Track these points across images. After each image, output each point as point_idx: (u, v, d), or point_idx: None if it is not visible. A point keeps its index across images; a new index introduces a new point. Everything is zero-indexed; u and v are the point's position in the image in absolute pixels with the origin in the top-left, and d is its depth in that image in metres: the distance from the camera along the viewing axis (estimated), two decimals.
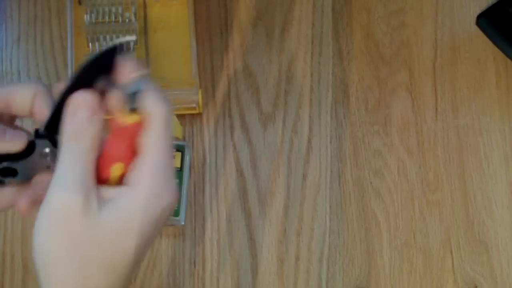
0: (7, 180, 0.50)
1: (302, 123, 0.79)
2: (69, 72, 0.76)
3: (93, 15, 0.78)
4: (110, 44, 0.47)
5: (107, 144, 0.46)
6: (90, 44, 0.78)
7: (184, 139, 0.78)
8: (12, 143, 0.48)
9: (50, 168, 0.49)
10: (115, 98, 0.46)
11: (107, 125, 0.46)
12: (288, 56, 0.81)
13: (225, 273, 0.75)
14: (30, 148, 0.49)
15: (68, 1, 0.78)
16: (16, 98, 0.49)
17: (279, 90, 0.80)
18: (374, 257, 0.76)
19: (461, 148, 0.79)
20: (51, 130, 0.48)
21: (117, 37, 0.78)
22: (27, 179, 0.50)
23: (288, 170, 0.78)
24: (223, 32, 0.82)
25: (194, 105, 0.78)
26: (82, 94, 0.45)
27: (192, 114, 0.79)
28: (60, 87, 0.47)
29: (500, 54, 0.81)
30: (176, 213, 0.74)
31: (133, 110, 0.45)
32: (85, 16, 0.78)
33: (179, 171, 0.75)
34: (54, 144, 0.48)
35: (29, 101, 0.49)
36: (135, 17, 0.79)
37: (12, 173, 0.49)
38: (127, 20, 0.79)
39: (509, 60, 0.81)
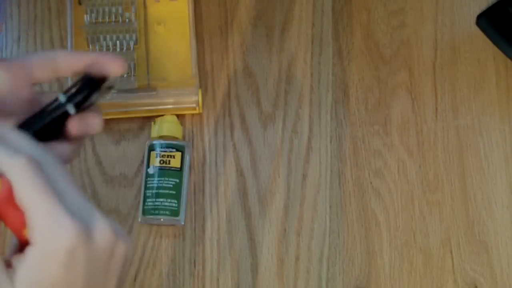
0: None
1: (302, 123, 0.79)
2: None
3: (93, 15, 0.78)
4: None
5: (3, 217, 0.44)
6: (90, 44, 0.78)
7: (184, 139, 0.78)
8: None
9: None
10: None
11: None
12: (288, 56, 0.81)
13: (225, 273, 0.75)
14: None
15: (68, 1, 0.78)
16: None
17: (279, 90, 0.80)
18: (374, 257, 0.76)
19: (461, 148, 0.79)
20: None
21: (117, 37, 0.78)
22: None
23: (288, 170, 0.78)
24: (223, 32, 0.82)
25: (194, 105, 0.78)
26: None
27: (192, 114, 0.79)
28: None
29: (500, 54, 0.81)
30: (176, 213, 0.74)
31: None
32: (85, 16, 0.78)
33: (179, 171, 0.75)
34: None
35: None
36: (135, 17, 0.79)
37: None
38: (127, 20, 0.79)
39: (509, 60, 0.81)
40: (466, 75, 0.81)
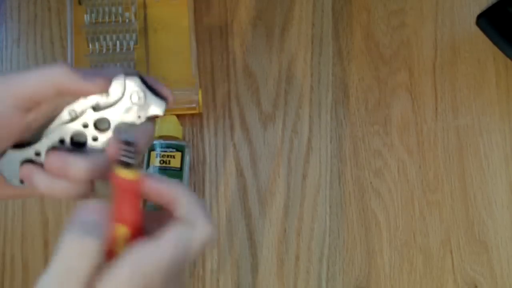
0: (101, 136, 0.49)
1: (302, 123, 0.79)
2: None
3: (93, 15, 0.78)
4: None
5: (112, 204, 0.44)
6: (90, 44, 0.78)
7: (184, 139, 0.78)
8: (95, 85, 0.47)
9: (140, 117, 0.49)
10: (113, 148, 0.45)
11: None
12: (288, 56, 0.81)
13: (225, 273, 0.75)
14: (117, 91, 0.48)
15: (68, 1, 0.78)
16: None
17: (279, 90, 0.80)
18: (374, 257, 0.76)
19: (461, 148, 0.79)
20: None
21: (117, 37, 0.78)
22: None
23: (288, 170, 0.78)
24: (223, 32, 0.82)
25: (194, 105, 0.78)
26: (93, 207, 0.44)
27: (192, 114, 0.79)
28: None
29: (500, 54, 0.81)
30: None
31: (128, 164, 0.44)
32: (85, 16, 0.78)
33: (179, 171, 0.75)
34: (145, 83, 0.48)
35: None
36: (135, 17, 0.79)
37: (105, 126, 0.49)
38: (127, 20, 0.79)
39: (509, 60, 0.81)
40: (466, 75, 0.81)
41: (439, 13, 0.83)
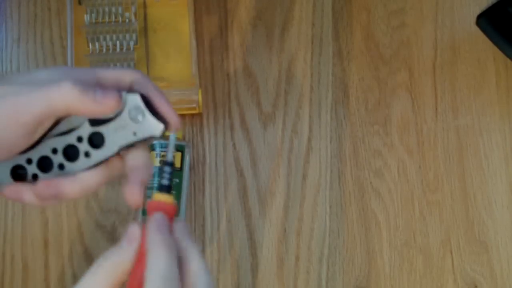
0: (94, 152, 0.49)
1: (302, 123, 0.79)
2: None
3: (93, 15, 0.78)
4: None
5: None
6: (90, 44, 0.78)
7: (184, 139, 0.78)
8: (105, 107, 0.47)
9: (136, 142, 0.49)
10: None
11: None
12: (288, 56, 0.81)
13: (225, 273, 0.75)
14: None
15: (68, 1, 0.78)
16: (122, 79, 0.49)
17: (279, 90, 0.80)
18: (374, 257, 0.76)
19: (461, 148, 0.79)
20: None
21: (117, 37, 0.78)
22: (114, 152, 0.49)
23: (288, 170, 0.78)
24: (223, 32, 0.82)
25: (194, 105, 0.78)
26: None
27: (192, 114, 0.79)
28: None
29: (500, 54, 0.81)
30: (176, 213, 0.74)
31: (165, 187, 0.46)
32: (85, 16, 0.78)
33: (179, 171, 0.75)
34: (147, 103, 0.48)
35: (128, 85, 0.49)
36: (135, 17, 0.79)
37: (99, 141, 0.48)
38: (127, 20, 0.79)
39: (509, 60, 0.81)
40: (466, 75, 0.81)
41: (439, 13, 0.83)
